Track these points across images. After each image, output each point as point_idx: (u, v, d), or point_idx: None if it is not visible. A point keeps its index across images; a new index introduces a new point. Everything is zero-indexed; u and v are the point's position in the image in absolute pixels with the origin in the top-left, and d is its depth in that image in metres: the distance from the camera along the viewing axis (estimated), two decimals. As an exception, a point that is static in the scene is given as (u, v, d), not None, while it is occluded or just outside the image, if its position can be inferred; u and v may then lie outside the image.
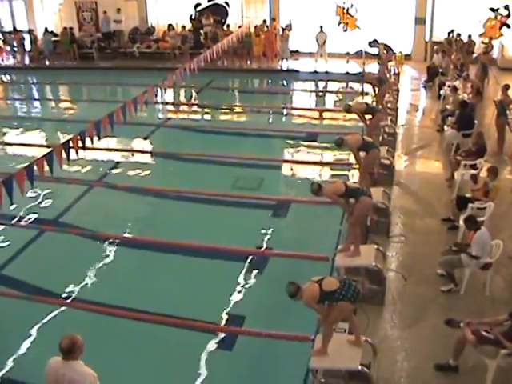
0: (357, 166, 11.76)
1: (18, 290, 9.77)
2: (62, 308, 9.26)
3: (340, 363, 6.61)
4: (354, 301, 6.54)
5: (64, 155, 9.18)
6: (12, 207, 10.90)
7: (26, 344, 8.41)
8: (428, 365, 7.29)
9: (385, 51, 20.93)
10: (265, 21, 26.58)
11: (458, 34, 23.40)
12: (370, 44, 21.65)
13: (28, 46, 28.55)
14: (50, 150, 9.12)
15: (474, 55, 22.59)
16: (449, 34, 23.84)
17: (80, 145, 9.73)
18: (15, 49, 28.59)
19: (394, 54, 21.95)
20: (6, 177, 8.00)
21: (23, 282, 10.00)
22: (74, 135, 9.77)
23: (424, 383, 7.08)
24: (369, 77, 16.94)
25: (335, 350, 6.63)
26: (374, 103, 16.16)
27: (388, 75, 19.32)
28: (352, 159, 12.62)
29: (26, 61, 28.58)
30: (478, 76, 19.54)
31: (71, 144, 9.47)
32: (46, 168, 8.80)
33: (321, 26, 24.86)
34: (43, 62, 28.13)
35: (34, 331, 8.66)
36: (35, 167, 8.48)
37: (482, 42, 22.68)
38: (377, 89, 16.33)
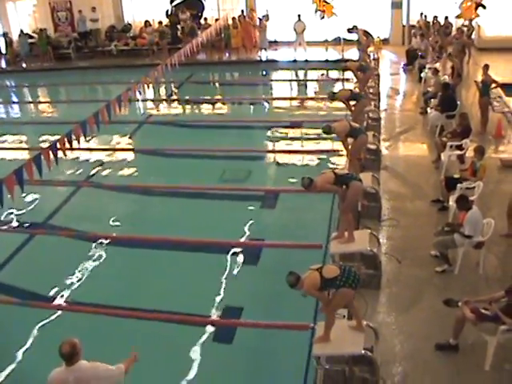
0: (344, 152, 11.79)
1: (11, 296, 9.69)
2: (55, 311, 9.20)
3: (343, 349, 6.63)
4: (354, 287, 6.55)
5: (52, 157, 9.12)
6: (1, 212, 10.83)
7: (22, 350, 8.34)
8: (428, 345, 7.36)
9: (364, 37, 20.94)
10: (242, 11, 26.53)
11: (435, 17, 23.52)
12: (350, 30, 21.65)
13: (3, 49, 28.22)
14: (37, 152, 9.05)
15: (451, 36, 22.71)
16: (421, 15, 24.10)
17: (67, 146, 9.67)
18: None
19: (373, 39, 21.94)
20: (-4, 182, 7.94)
21: (15, 288, 9.91)
22: (60, 136, 9.71)
23: (425, 363, 7.14)
24: (350, 64, 16.92)
25: (337, 336, 6.65)
26: (357, 89, 16.17)
27: (368, 61, 19.36)
28: (338, 146, 12.66)
29: (2, 64, 28.25)
30: (457, 57, 19.63)
31: (58, 145, 9.41)
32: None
33: (298, 15, 24.84)
34: (20, 65, 27.82)
35: (28, 336, 8.59)
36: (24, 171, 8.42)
37: (463, 25, 22.80)
38: (358, 75, 16.31)
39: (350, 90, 13.81)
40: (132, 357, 5.88)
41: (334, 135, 11.64)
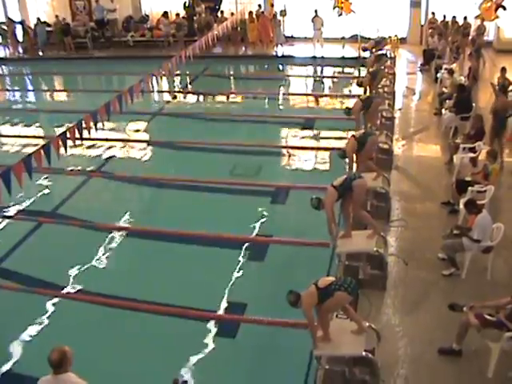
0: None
1: (17, 283, 9.72)
2: (62, 299, 9.25)
3: (344, 349, 6.58)
4: (350, 291, 6.51)
5: (61, 146, 9.12)
6: (10, 199, 10.83)
7: (26, 336, 8.39)
8: (431, 349, 7.28)
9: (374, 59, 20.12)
10: (260, 6, 26.47)
11: (454, 17, 23.31)
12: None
13: (20, 37, 28.26)
14: (47, 141, 9.06)
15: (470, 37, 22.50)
16: (433, 14, 24.09)
17: (77, 135, 9.67)
18: (8, 40, 28.37)
19: (385, 62, 20.72)
20: (4, 169, 7.94)
21: (22, 275, 9.95)
22: (71, 126, 9.71)
23: (427, 368, 7.07)
24: (362, 79, 16.76)
25: (339, 337, 6.60)
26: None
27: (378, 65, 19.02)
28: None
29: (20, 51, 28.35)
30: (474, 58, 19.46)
31: (68, 135, 9.41)
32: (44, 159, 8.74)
33: (315, 11, 24.70)
34: (37, 53, 27.90)
35: (33, 323, 8.64)
36: (33, 159, 8.42)
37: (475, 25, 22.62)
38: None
39: (361, 100, 13.47)
40: None
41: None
